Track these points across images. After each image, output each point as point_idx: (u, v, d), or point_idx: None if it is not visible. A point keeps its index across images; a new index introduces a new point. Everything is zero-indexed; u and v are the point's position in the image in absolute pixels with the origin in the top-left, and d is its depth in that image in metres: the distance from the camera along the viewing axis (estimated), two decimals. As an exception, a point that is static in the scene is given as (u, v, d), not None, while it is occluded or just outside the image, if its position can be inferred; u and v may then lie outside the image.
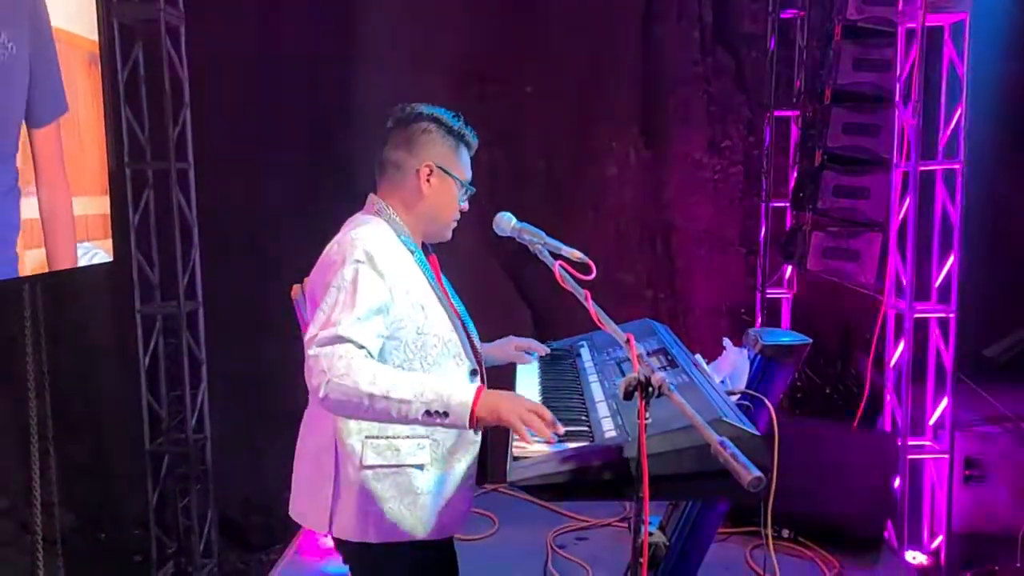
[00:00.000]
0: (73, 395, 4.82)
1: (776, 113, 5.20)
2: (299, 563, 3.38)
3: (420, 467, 1.85)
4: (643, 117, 5.67)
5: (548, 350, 2.23)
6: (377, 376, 1.65)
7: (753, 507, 3.21)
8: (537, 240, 1.99)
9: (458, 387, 1.68)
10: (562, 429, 1.67)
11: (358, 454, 1.83)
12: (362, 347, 1.70)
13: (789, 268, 5.18)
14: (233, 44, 5.14)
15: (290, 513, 2.00)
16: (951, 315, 3.62)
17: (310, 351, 1.69)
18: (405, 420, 1.67)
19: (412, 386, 1.65)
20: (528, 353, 2.23)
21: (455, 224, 2.02)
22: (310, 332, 1.73)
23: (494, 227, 2.08)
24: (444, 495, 1.88)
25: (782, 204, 5.18)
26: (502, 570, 3.18)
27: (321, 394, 1.66)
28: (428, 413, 1.64)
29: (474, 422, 1.65)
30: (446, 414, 1.64)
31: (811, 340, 2.00)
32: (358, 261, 1.77)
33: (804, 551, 3.30)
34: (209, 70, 4.83)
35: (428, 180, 1.93)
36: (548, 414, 1.67)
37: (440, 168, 1.94)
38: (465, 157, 1.99)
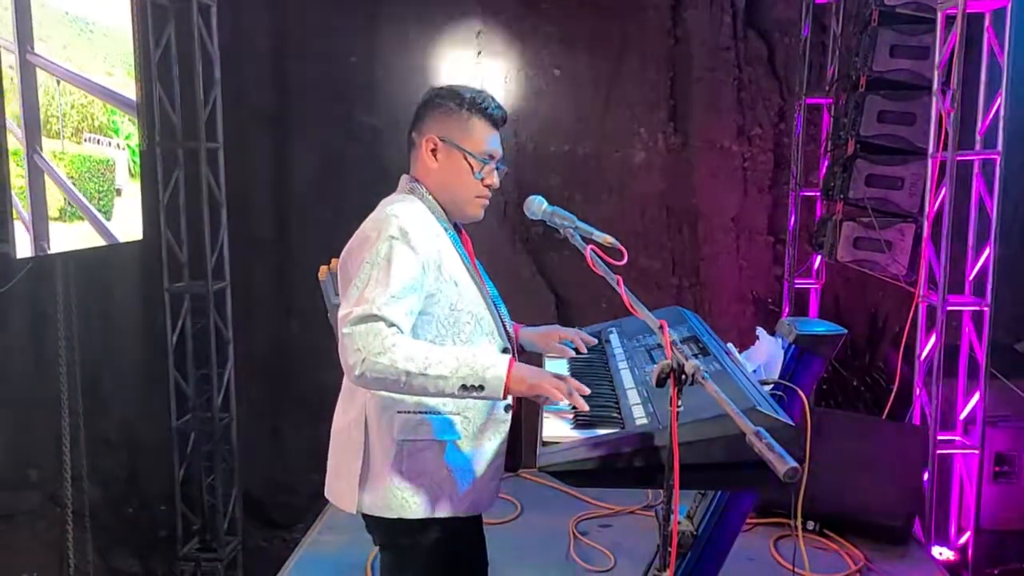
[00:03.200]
0: (102, 371, 4.89)
1: (808, 100, 5.12)
2: (322, 542, 3.41)
3: (451, 443, 1.85)
4: (672, 102, 5.61)
5: (595, 342, 2.15)
6: (413, 353, 1.66)
7: (779, 498, 3.20)
8: (568, 224, 1.96)
9: (492, 360, 1.70)
10: (584, 406, 1.69)
11: (389, 429, 1.84)
12: (394, 325, 1.70)
13: (818, 258, 5.12)
14: (262, 25, 5.15)
15: (326, 494, 2.00)
16: (985, 308, 3.55)
17: (344, 329, 1.68)
18: (441, 395, 1.70)
19: (448, 362, 1.67)
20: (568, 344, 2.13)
21: (483, 201, 1.94)
22: (343, 309, 1.73)
23: (525, 210, 2.06)
24: (474, 472, 1.88)
25: (812, 193, 5.11)
26: (524, 555, 3.18)
27: (357, 372, 1.66)
28: (464, 387, 1.67)
29: (507, 393, 1.70)
30: (481, 387, 1.68)
31: (846, 331, 1.96)
32: (392, 237, 1.76)
33: (829, 544, 3.26)
34: (239, 50, 4.85)
35: (434, 155, 1.89)
36: (575, 382, 1.71)
37: (445, 141, 1.88)
38: (481, 129, 1.90)
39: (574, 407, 1.75)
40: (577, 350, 2.12)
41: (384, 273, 1.73)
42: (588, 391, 1.73)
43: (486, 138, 1.92)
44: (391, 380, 1.67)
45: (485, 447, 1.90)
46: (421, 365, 1.66)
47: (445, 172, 1.90)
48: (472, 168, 1.90)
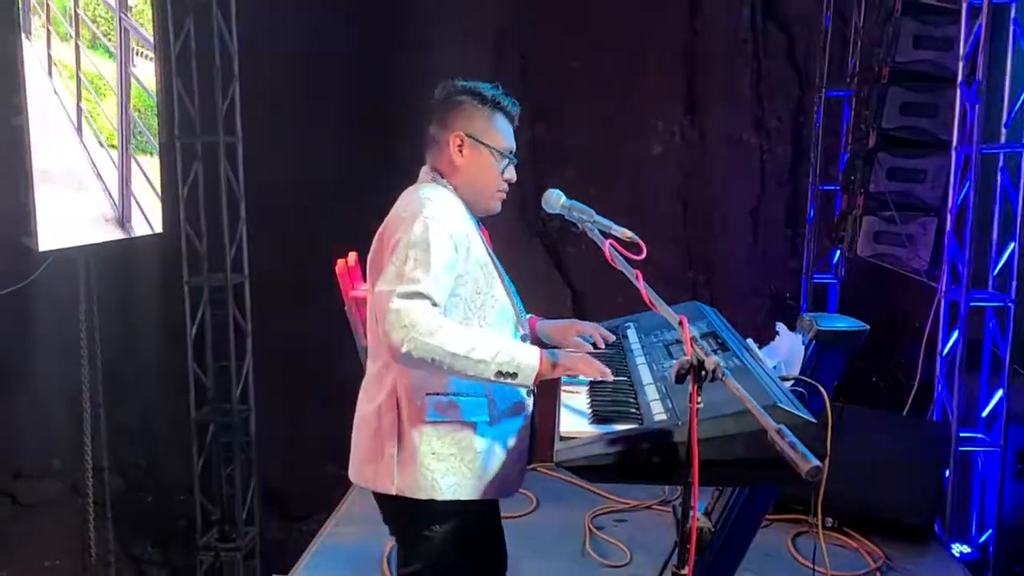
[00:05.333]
0: (122, 363, 4.94)
1: (828, 92, 5.06)
2: (340, 534, 3.42)
3: (479, 424, 1.89)
4: (689, 95, 5.56)
5: (613, 338, 2.18)
6: (459, 336, 1.73)
7: (797, 494, 3.18)
8: (587, 218, 1.98)
9: (527, 350, 1.80)
10: (611, 376, 1.83)
11: (420, 411, 1.87)
12: (437, 304, 1.75)
13: (837, 252, 5.07)
14: (281, 19, 5.16)
15: (351, 478, 2.02)
16: (1009, 304, 3.51)
17: (391, 304, 1.71)
18: (477, 378, 1.77)
19: (489, 348, 1.74)
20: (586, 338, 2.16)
21: (502, 195, 2.00)
22: (383, 286, 1.76)
23: (543, 204, 2.07)
24: (501, 454, 1.92)
25: (832, 187, 5.06)
26: (539, 549, 3.17)
27: (404, 349, 1.70)
28: (500, 373, 1.75)
29: (537, 381, 1.81)
30: (515, 375, 1.76)
31: (868, 327, 1.94)
32: (428, 218, 1.79)
33: (848, 541, 3.24)
34: (258, 45, 4.86)
35: (460, 151, 1.93)
36: (596, 363, 1.83)
37: (471, 138, 1.93)
38: (503, 125, 1.97)
39: (592, 403, 1.76)
40: (595, 345, 2.12)
41: (424, 253, 1.76)
42: (611, 377, 1.81)
43: (507, 134, 1.98)
44: (436, 360, 1.71)
45: (510, 430, 1.93)
46: (466, 348, 1.72)
47: (472, 168, 1.95)
48: (496, 164, 1.95)
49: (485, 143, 1.94)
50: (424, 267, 1.74)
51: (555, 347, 2.15)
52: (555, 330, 2.15)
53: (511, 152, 1.97)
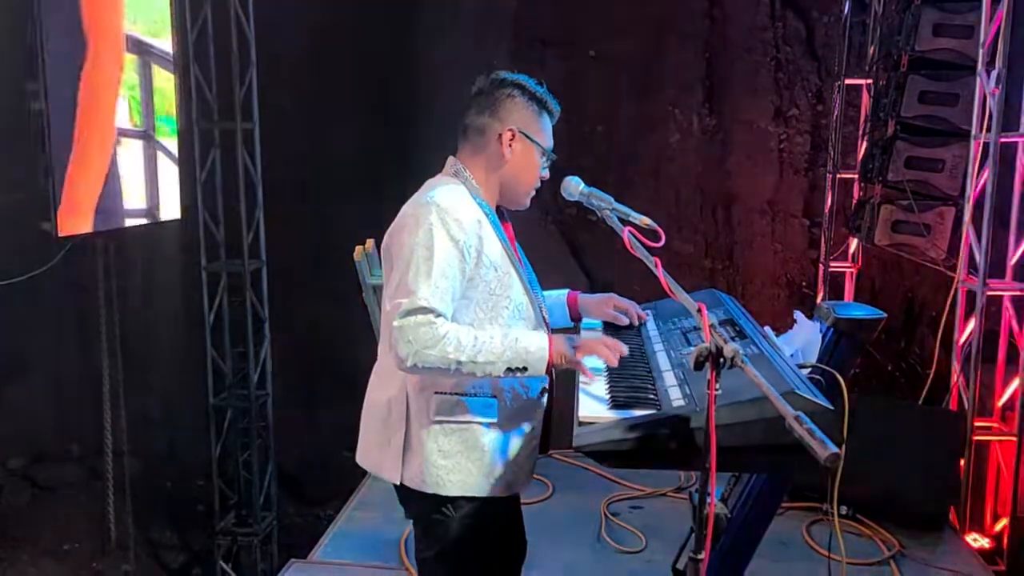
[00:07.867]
0: (142, 349, 4.99)
1: (847, 81, 5.03)
2: (357, 519, 3.46)
3: (487, 425, 1.89)
4: (707, 83, 5.55)
5: (647, 316, 2.21)
6: (462, 342, 1.73)
7: (812, 482, 3.18)
8: (605, 205, 1.97)
9: (535, 342, 1.78)
10: (625, 350, 1.81)
11: (427, 408, 1.88)
12: (441, 315, 1.75)
13: (854, 241, 5.05)
14: (298, 6, 5.17)
15: (358, 461, 2.04)
16: (1028, 293, 3.48)
17: (394, 323, 1.74)
18: (488, 377, 1.78)
19: (495, 348, 1.75)
20: (623, 314, 2.20)
21: (534, 192, 2.00)
22: (389, 301, 1.78)
23: (561, 191, 2.06)
24: (508, 453, 1.92)
25: (850, 176, 5.03)
26: (555, 535, 3.19)
27: (409, 364, 1.73)
28: (509, 370, 1.76)
29: (549, 369, 1.81)
30: (525, 368, 1.77)
31: (885, 315, 1.94)
32: (432, 224, 1.78)
33: (863, 529, 3.25)
34: (275, 32, 4.87)
35: (510, 145, 1.92)
36: (611, 341, 1.82)
37: (523, 133, 1.93)
38: (547, 124, 1.98)
39: (610, 389, 1.77)
40: (618, 325, 2.16)
41: (426, 261, 1.76)
42: (626, 350, 1.80)
43: (550, 134, 1.99)
44: (442, 369, 1.74)
45: (520, 429, 1.93)
46: (470, 353, 1.73)
47: (518, 163, 1.94)
48: (540, 161, 1.96)
49: (535, 141, 1.94)
50: (425, 277, 1.75)
51: (592, 321, 2.20)
52: (593, 304, 2.19)
53: (552, 150, 1.98)
